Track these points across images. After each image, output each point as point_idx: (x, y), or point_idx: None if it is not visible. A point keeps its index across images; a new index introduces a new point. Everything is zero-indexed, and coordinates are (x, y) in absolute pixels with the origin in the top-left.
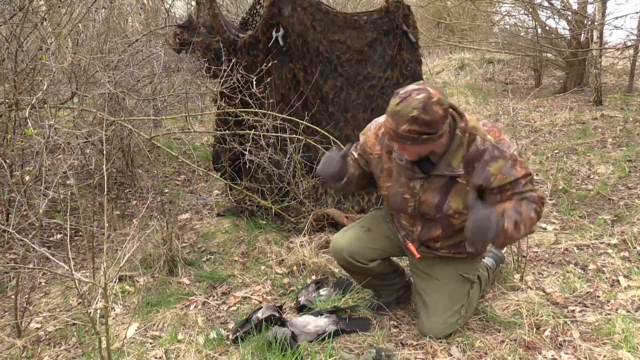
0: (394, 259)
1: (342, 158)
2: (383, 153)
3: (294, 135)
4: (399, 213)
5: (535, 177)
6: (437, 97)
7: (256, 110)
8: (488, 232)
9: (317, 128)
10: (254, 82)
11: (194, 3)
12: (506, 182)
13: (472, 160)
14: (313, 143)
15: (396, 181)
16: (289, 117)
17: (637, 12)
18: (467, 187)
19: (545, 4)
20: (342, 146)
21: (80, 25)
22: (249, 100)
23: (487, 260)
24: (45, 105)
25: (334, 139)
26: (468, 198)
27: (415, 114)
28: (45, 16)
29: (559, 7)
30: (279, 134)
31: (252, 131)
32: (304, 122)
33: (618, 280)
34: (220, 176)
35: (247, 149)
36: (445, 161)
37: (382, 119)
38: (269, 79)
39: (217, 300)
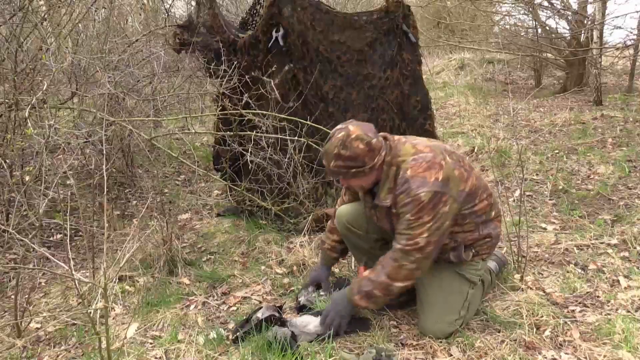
0: None
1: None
2: None
3: (295, 138)
4: None
5: (535, 177)
6: (356, 134)
7: (256, 111)
8: (341, 314)
9: (320, 127)
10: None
11: (194, 3)
12: (400, 216)
13: (397, 193)
14: (314, 145)
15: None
16: (290, 117)
17: (637, 12)
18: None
19: (545, 4)
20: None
21: (80, 25)
22: (249, 100)
23: (491, 264)
24: (45, 105)
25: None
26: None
27: (336, 152)
28: (45, 16)
29: (559, 7)
30: (279, 135)
31: (254, 132)
32: (307, 123)
33: (618, 280)
34: (221, 177)
35: (248, 149)
36: (378, 193)
37: None
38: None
39: (217, 300)
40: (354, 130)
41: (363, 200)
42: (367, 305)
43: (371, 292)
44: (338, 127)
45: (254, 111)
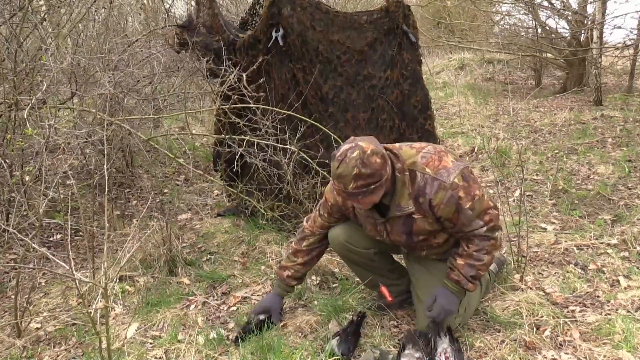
0: (398, 260)
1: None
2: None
3: (287, 147)
4: None
5: (535, 177)
6: (370, 149)
7: (258, 105)
8: (448, 309)
9: (321, 126)
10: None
11: (193, 3)
12: (452, 212)
13: (418, 196)
14: (308, 159)
15: (363, 224)
16: (291, 113)
17: (637, 12)
18: (424, 219)
19: (545, 4)
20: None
21: (80, 25)
22: (249, 101)
23: None
24: (45, 105)
25: (336, 137)
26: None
27: (356, 172)
28: (45, 16)
29: (559, 7)
30: (275, 144)
31: (248, 136)
32: (308, 120)
33: (618, 280)
34: (220, 178)
35: (246, 149)
36: (394, 203)
37: None
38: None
39: (217, 300)
40: (366, 145)
41: (366, 219)
42: (475, 287)
43: (477, 275)
44: (345, 147)
45: (254, 105)
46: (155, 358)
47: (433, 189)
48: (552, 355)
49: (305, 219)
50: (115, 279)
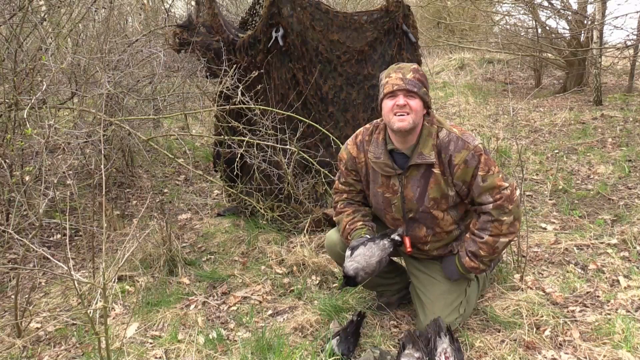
0: (394, 259)
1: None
2: (365, 158)
3: (287, 147)
4: (383, 215)
5: (535, 177)
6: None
7: (258, 106)
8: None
9: (320, 127)
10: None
11: (193, 3)
12: (469, 175)
13: (440, 151)
14: (309, 159)
15: (373, 182)
16: (291, 114)
17: (637, 12)
18: (442, 177)
19: (545, 4)
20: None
21: (80, 25)
22: (249, 101)
23: None
24: (45, 106)
25: (335, 139)
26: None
27: (414, 67)
28: (45, 16)
29: (559, 7)
30: (275, 145)
31: (249, 137)
32: (307, 121)
33: (618, 280)
34: (220, 178)
35: (246, 149)
36: (417, 151)
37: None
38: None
39: (217, 300)
40: None
41: (379, 175)
42: (477, 265)
43: (477, 252)
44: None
45: (254, 106)
46: (155, 358)
47: (457, 147)
48: (552, 355)
49: (333, 194)
50: (114, 279)
